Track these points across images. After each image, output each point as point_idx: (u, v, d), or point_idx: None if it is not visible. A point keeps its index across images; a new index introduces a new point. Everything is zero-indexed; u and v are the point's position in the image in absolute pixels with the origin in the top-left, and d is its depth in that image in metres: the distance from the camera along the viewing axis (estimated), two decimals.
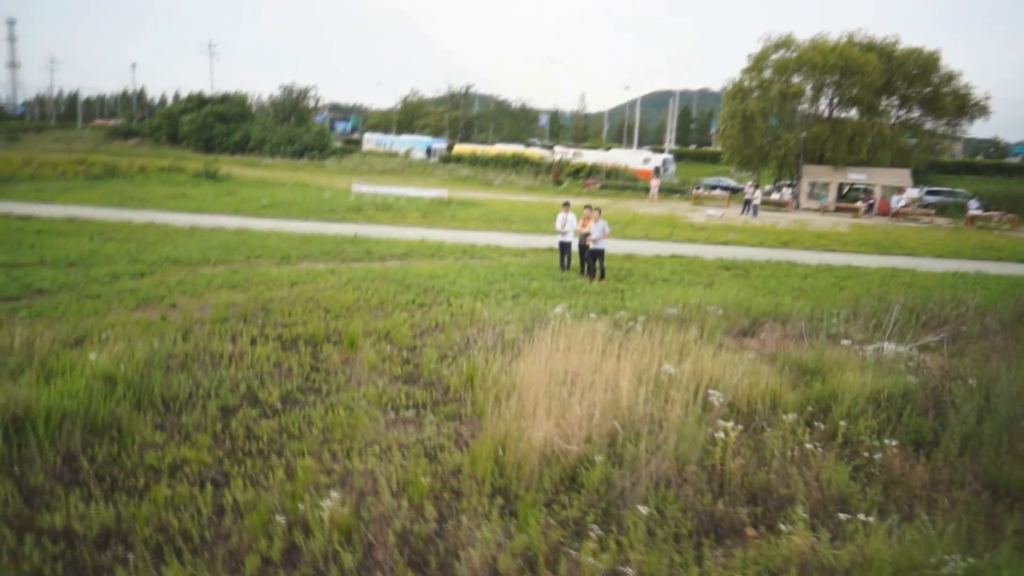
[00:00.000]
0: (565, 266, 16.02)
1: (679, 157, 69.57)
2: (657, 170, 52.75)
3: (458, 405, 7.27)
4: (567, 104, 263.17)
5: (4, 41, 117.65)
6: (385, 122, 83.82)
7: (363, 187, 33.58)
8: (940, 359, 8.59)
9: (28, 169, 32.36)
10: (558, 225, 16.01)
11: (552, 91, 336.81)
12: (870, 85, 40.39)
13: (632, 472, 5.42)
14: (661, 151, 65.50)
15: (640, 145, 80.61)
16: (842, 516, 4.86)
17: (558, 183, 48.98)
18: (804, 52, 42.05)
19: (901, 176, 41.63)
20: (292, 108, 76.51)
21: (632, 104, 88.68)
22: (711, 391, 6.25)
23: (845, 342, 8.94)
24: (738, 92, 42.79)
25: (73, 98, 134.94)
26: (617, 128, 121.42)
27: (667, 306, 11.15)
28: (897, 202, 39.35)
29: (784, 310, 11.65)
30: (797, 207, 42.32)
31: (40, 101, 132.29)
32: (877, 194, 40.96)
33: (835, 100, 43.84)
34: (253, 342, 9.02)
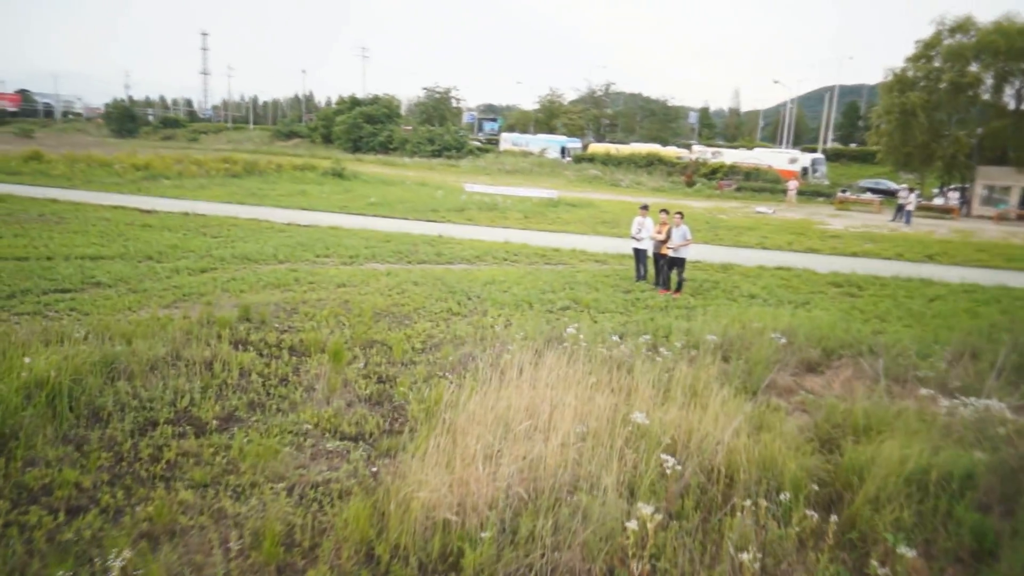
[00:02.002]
0: (641, 275, 14.48)
1: (837, 157, 63.54)
2: (805, 171, 48.37)
3: (404, 439, 6.28)
4: (721, 101, 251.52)
5: (197, 51, 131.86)
6: (524, 121, 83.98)
7: (475, 187, 33.34)
8: None
9: (178, 167, 35.29)
10: (633, 230, 14.49)
11: (704, 87, 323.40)
12: None
13: (524, 557, 4.18)
14: (814, 151, 60.08)
15: (797, 145, 74.73)
16: None
17: (690, 185, 46.23)
18: (985, 36, 36.35)
19: None
20: (434, 109, 78.68)
21: (791, 101, 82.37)
22: (665, 457, 4.78)
23: (925, 391, 6.92)
24: (897, 84, 37.82)
25: (252, 102, 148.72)
26: (773, 127, 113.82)
27: (721, 329, 9.44)
28: None
29: (875, 342, 9.51)
30: (967, 214, 36.86)
31: (225, 105, 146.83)
32: None
33: (1023, 91, 37.63)
34: (237, 347, 8.56)
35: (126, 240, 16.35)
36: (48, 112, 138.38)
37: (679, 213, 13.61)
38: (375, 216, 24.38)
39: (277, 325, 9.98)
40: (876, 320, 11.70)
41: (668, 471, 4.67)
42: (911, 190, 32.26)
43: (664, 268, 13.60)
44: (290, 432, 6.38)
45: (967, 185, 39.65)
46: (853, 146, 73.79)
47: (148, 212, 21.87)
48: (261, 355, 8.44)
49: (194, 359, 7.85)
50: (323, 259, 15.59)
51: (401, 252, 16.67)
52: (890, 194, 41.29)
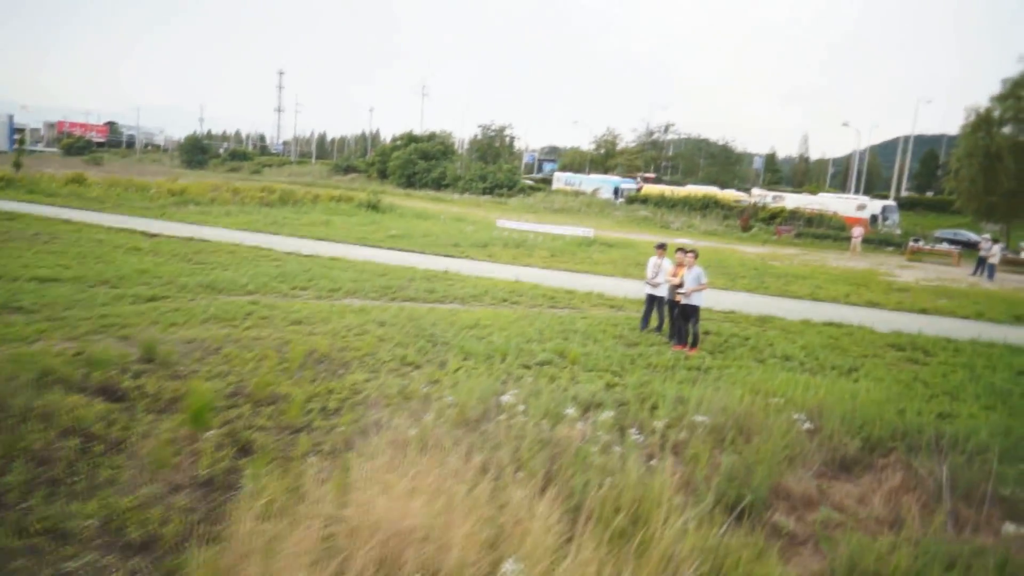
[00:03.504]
0: (647, 324, 12.22)
1: (912, 205, 59.21)
2: (874, 218, 44.76)
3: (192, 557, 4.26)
4: (789, 148, 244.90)
5: (274, 88, 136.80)
6: (579, 161, 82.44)
7: (507, 223, 31.58)
8: None
9: (213, 194, 34.90)
10: (649, 274, 12.26)
11: (772, 133, 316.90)
12: None
13: None
14: (885, 197, 56.13)
15: (868, 194, 70.46)
16: None
17: (746, 229, 43.30)
18: None
19: None
20: (488, 146, 78.18)
21: (862, 148, 78.21)
22: None
23: (1010, 527, 4.49)
24: (982, 124, 34.41)
25: (319, 138, 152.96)
26: (843, 175, 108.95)
27: (730, 402, 7.11)
28: None
29: (939, 431, 6.99)
30: None
31: (296, 141, 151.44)
32: None
33: None
34: (96, 394, 6.76)
35: (100, 263, 15.10)
36: (131, 143, 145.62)
37: (692, 252, 11.31)
38: (391, 249, 22.81)
39: (181, 369, 8.20)
40: (945, 398, 9.07)
41: None
42: (995, 241, 28.73)
43: (678, 318, 11.29)
44: (48, 532, 4.45)
45: None
46: (930, 195, 69.03)
47: (151, 236, 20.89)
48: (115, 408, 6.60)
49: (12, 409, 6.06)
50: (298, 292, 13.91)
51: (390, 288, 14.85)
52: (970, 246, 37.47)
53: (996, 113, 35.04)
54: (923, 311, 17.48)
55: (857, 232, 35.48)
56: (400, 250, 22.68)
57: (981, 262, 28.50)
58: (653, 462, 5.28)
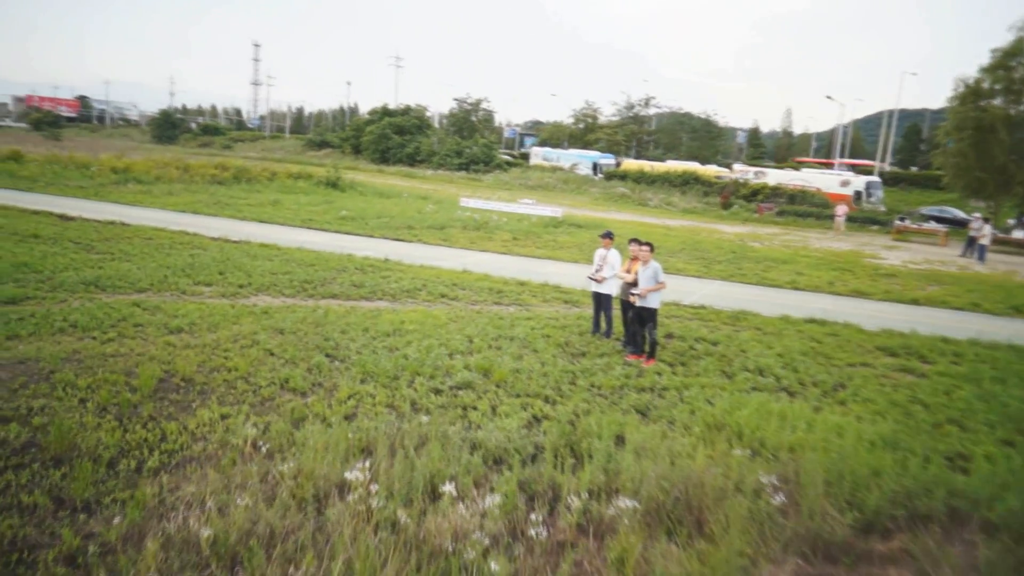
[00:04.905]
0: (598, 328, 10.47)
1: (896, 181, 57.67)
2: (859, 195, 43.13)
3: None
4: (772, 122, 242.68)
5: (249, 61, 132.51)
6: (558, 136, 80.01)
7: (471, 202, 29.58)
8: None
9: (160, 171, 32.51)
10: (593, 268, 10.44)
11: (755, 107, 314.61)
12: None
13: None
14: (869, 173, 54.58)
15: (851, 168, 68.91)
16: None
17: (726, 207, 41.56)
18: None
19: None
20: (464, 120, 75.71)
21: (846, 122, 76.44)
22: None
23: None
24: (971, 96, 32.69)
25: (296, 112, 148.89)
26: (827, 149, 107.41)
27: (670, 469, 5.35)
28: None
29: (952, 487, 5.27)
30: None
31: (272, 115, 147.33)
32: None
33: None
34: None
35: None
36: (101, 118, 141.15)
37: (648, 244, 9.45)
38: (336, 232, 20.83)
39: None
40: (952, 428, 7.37)
41: None
42: (986, 220, 27.16)
43: (632, 322, 9.52)
44: None
45: None
46: (914, 170, 67.64)
47: (66, 219, 18.76)
48: None
49: None
50: (200, 288, 11.97)
51: (311, 282, 12.94)
52: (958, 224, 36.02)
53: (985, 84, 33.34)
54: (914, 301, 15.84)
55: (841, 211, 33.83)
56: (347, 234, 20.71)
57: (971, 242, 26.97)
58: None
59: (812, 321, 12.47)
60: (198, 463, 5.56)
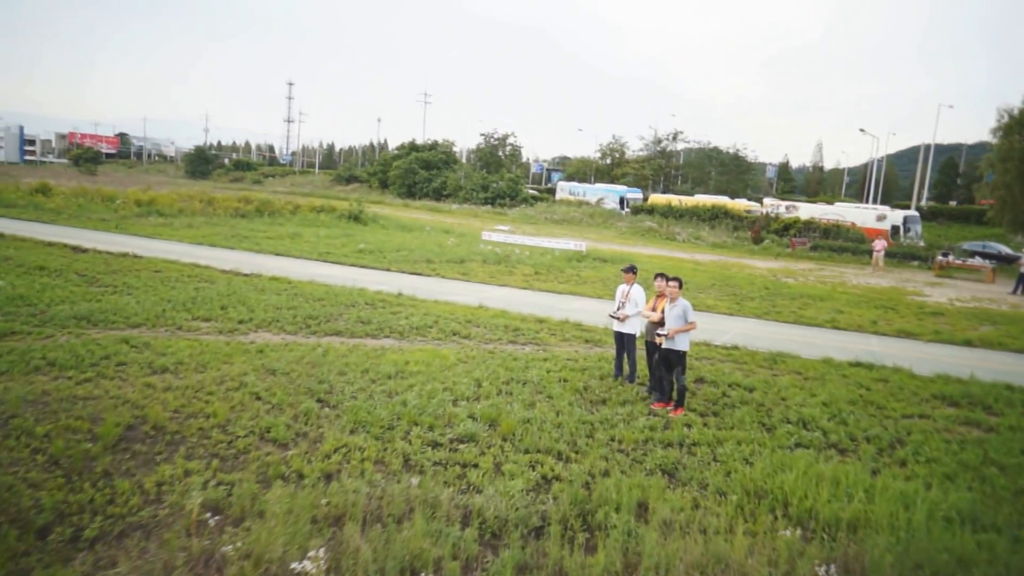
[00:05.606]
0: (621, 371, 9.53)
1: (933, 216, 55.91)
2: (896, 230, 41.62)
3: None
4: (803, 157, 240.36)
5: (283, 99, 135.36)
6: (585, 170, 79.60)
7: (493, 235, 28.93)
8: None
9: (183, 204, 32.52)
10: (615, 306, 9.54)
11: (786, 143, 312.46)
12: None
13: None
14: (906, 207, 52.96)
15: (886, 203, 67.14)
16: None
17: (757, 241, 40.35)
18: None
19: None
20: (490, 155, 75.79)
21: (879, 157, 74.88)
22: None
23: None
24: (1016, 126, 31.37)
25: (326, 148, 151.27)
26: (859, 184, 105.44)
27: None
28: None
29: None
30: None
31: (304, 151, 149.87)
32: None
33: None
34: None
35: None
36: (139, 154, 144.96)
37: (676, 280, 8.53)
38: (352, 266, 20.25)
39: None
40: None
41: None
42: None
43: (658, 366, 8.57)
44: None
45: None
46: (953, 204, 65.62)
47: (79, 251, 18.47)
48: None
49: None
50: (199, 323, 11.31)
51: (316, 318, 12.21)
52: (1003, 260, 34.37)
53: None
54: (967, 343, 14.59)
55: (879, 246, 32.44)
56: (363, 267, 20.11)
57: (1021, 279, 25.47)
58: None
59: (858, 364, 11.37)
60: (144, 532, 4.76)
